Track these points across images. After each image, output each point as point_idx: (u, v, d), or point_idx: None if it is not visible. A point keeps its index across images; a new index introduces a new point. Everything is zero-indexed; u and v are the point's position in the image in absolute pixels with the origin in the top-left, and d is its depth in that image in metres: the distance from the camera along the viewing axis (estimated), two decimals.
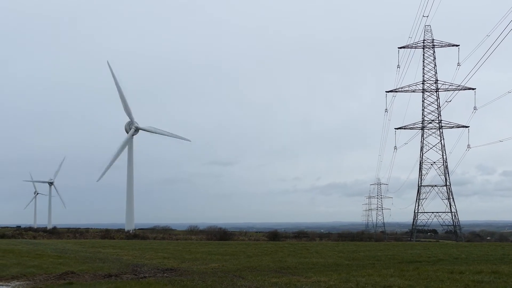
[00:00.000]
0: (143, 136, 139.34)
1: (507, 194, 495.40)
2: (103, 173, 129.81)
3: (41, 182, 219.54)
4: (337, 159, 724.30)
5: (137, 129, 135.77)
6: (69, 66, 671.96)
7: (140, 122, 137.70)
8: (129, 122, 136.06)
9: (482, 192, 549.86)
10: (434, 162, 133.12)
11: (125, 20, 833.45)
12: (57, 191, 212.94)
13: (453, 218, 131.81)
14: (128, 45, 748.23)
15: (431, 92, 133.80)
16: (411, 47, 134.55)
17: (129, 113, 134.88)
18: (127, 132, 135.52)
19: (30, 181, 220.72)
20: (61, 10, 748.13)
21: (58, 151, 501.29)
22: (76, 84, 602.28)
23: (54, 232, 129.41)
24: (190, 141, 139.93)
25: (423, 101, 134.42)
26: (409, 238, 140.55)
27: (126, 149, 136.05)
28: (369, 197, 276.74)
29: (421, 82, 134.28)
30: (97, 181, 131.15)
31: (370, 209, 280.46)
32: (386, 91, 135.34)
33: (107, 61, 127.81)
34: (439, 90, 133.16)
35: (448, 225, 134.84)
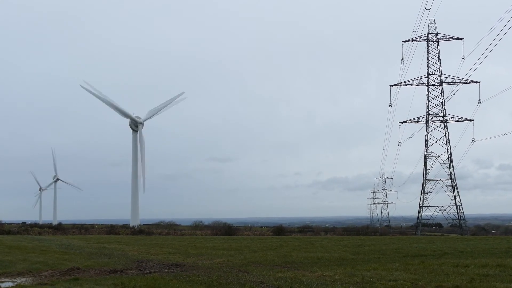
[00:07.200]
0: (147, 132, 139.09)
1: (509, 188, 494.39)
2: (91, 93, 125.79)
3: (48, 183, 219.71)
4: (342, 154, 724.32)
5: (137, 125, 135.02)
6: (73, 62, 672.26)
7: (143, 116, 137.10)
8: (130, 122, 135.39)
9: (483, 186, 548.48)
10: (439, 156, 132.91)
11: (130, 16, 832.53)
12: (65, 182, 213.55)
13: (458, 211, 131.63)
14: (133, 40, 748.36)
15: (436, 86, 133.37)
16: (415, 41, 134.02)
17: (126, 114, 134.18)
18: (132, 128, 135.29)
19: (34, 178, 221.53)
20: (65, 6, 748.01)
21: (63, 148, 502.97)
22: (80, 80, 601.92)
23: (59, 228, 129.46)
24: (143, 192, 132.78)
25: (427, 95, 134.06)
26: (414, 232, 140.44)
27: (130, 146, 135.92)
28: (374, 191, 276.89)
29: (425, 76, 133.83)
30: (81, 85, 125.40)
31: (375, 203, 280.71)
32: (390, 85, 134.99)
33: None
34: (444, 83, 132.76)
35: (453, 219, 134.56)
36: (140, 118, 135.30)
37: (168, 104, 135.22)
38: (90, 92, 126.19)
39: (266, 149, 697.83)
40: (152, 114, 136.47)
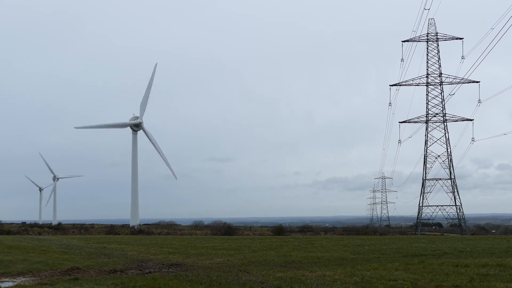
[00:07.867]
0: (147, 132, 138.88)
1: (508, 187, 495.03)
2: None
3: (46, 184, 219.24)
4: (341, 154, 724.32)
5: (138, 125, 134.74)
6: (73, 62, 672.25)
7: (145, 117, 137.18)
8: (134, 117, 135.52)
9: (483, 186, 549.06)
10: (439, 156, 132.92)
11: (130, 16, 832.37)
12: (65, 177, 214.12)
13: (458, 211, 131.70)
14: (133, 40, 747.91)
15: (435, 86, 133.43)
16: (415, 41, 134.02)
17: (125, 124, 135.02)
18: (132, 129, 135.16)
19: (30, 180, 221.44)
20: (65, 6, 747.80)
21: (63, 148, 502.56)
22: (80, 80, 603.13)
23: (59, 228, 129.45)
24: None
25: (427, 94, 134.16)
26: (414, 232, 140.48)
27: (130, 146, 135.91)
28: (374, 191, 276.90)
29: (425, 76, 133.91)
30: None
31: (375, 203, 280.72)
32: (390, 85, 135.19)
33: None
34: (443, 83, 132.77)
35: (452, 219, 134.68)
36: (138, 118, 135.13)
37: (163, 159, 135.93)
38: (152, 75, 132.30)
39: (266, 149, 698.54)
40: (149, 138, 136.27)
